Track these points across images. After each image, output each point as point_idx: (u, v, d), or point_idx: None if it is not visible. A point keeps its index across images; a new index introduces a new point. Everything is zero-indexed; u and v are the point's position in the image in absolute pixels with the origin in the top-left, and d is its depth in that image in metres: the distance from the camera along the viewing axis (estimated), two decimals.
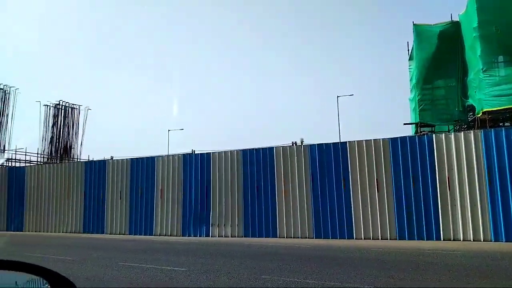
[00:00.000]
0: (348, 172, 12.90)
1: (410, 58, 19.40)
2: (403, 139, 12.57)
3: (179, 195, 15.34)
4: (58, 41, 63.88)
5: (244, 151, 14.58)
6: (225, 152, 14.92)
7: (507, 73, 14.30)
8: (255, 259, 8.82)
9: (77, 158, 32.30)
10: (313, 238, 12.93)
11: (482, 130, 11.97)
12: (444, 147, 11.88)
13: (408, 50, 19.67)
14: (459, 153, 11.70)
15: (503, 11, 14.42)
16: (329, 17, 62.67)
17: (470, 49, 15.34)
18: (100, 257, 9.32)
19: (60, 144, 33.23)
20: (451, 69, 16.71)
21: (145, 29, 64.99)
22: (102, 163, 17.33)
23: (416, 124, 16.99)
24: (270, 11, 63.57)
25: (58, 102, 33.64)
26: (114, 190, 16.62)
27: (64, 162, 28.15)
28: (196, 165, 15.22)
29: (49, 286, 1.23)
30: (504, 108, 14.06)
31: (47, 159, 31.32)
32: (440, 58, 16.56)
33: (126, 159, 16.79)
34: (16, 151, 29.98)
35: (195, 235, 14.74)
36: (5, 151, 29.97)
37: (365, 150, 12.81)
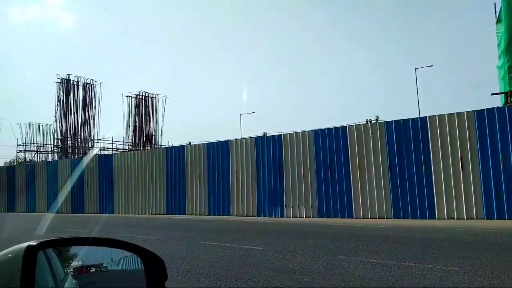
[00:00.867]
0: (429, 149, 12.18)
1: (498, 21, 17.51)
2: (490, 111, 11.52)
3: (253, 177, 15.69)
4: (134, 36, 67.70)
5: (316, 132, 14.42)
6: (297, 133, 14.88)
7: None
8: (330, 239, 8.78)
9: (159, 145, 34.38)
10: (391, 218, 12.51)
11: None
12: None
13: (496, 11, 17.79)
14: None
15: None
16: None
17: None
18: (182, 237, 9.91)
19: (143, 132, 35.55)
20: None
21: (212, 19, 66.31)
22: (181, 148, 18.25)
23: (506, 93, 15.44)
24: None
25: (138, 93, 35.87)
26: (193, 173, 17.46)
27: (147, 148, 30.13)
28: (268, 147, 15.40)
29: (141, 262, 1.35)
30: None
31: (132, 146, 33.75)
32: None
33: (203, 143, 17.50)
34: (104, 140, 32.71)
35: (270, 216, 15.03)
36: (99, 141, 32.78)
37: (447, 125, 11.98)
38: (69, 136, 33.35)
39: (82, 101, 34.19)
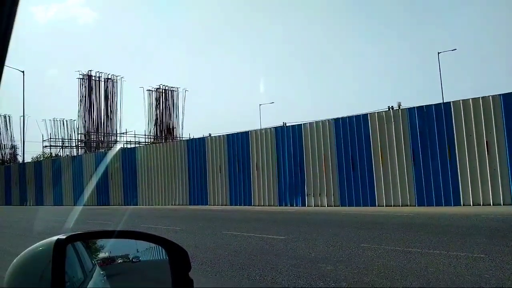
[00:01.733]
0: (453, 134, 11.90)
1: None
2: None
3: (273, 167, 15.70)
4: (154, 30, 68.18)
5: (336, 120, 14.28)
6: (317, 122, 14.78)
7: None
8: (352, 228, 8.75)
9: (180, 137, 34.78)
10: (415, 206, 12.34)
11: None
12: None
13: None
14: None
15: None
16: None
17: None
18: (205, 227, 10.06)
19: (164, 125, 36.02)
20: None
21: (230, 11, 66.04)
22: (202, 140, 18.41)
23: None
24: None
25: (158, 87, 36.28)
26: (214, 165, 17.61)
27: (168, 141, 30.52)
28: (288, 137, 15.36)
29: (165, 253, 1.38)
30: None
31: (154, 139, 34.26)
32: None
33: (223, 135, 17.60)
34: (126, 134, 33.31)
35: (291, 205, 15.05)
36: (121, 135, 33.40)
37: (472, 110, 11.66)
38: (92, 131, 34.09)
39: (104, 96, 34.85)
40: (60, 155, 32.86)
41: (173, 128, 36.28)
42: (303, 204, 14.75)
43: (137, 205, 20.32)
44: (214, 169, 17.61)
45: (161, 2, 72.24)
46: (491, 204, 11.13)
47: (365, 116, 13.65)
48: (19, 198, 27.42)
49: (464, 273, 4.48)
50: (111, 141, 33.95)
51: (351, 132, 13.82)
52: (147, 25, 71.11)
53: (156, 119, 35.62)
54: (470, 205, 11.40)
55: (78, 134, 34.25)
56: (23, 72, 30.11)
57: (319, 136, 14.56)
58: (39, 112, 66.93)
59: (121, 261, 1.52)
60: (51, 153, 35.30)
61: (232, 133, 17.32)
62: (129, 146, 29.75)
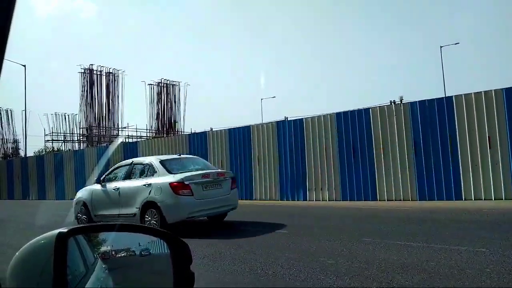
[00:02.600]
0: (455, 129, 11.87)
1: None
2: None
3: (275, 161, 15.70)
4: (155, 24, 67.99)
5: (338, 114, 14.25)
6: (318, 116, 14.75)
7: None
8: (354, 222, 8.77)
9: (181, 131, 34.79)
10: (416, 200, 12.34)
11: None
12: None
13: None
14: None
15: None
16: None
17: None
18: (206, 221, 10.07)
19: (165, 119, 36.02)
20: None
21: (232, 5, 65.77)
22: (203, 135, 18.41)
23: None
24: None
25: (160, 80, 36.23)
26: (215, 159, 17.62)
27: (170, 135, 30.53)
28: (290, 131, 15.34)
29: (167, 246, 1.39)
30: None
31: (155, 134, 34.28)
32: None
33: (224, 129, 17.59)
34: (128, 128, 33.34)
35: (292, 199, 15.07)
36: (123, 129, 33.45)
37: (474, 104, 11.61)
38: (94, 125, 34.12)
39: (105, 90, 34.82)
40: (62, 149, 32.94)
41: (174, 122, 36.28)
42: (305, 198, 14.77)
43: None
44: (215, 163, 17.61)
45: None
46: (493, 198, 11.12)
47: (367, 110, 13.61)
48: (21, 192, 27.53)
49: (465, 267, 4.49)
50: (113, 135, 33.99)
51: (352, 126, 13.79)
52: (149, 19, 70.95)
53: (158, 113, 35.62)
54: (472, 200, 11.40)
55: (79, 128, 34.31)
56: (24, 66, 30.09)
57: (321, 130, 14.53)
58: (41, 106, 67.10)
59: (123, 254, 1.53)
60: (53, 147, 35.40)
61: (234, 128, 17.31)
62: (130, 140, 29.78)
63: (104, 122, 34.49)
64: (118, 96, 35.28)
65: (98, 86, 34.57)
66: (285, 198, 15.30)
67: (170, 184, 7.86)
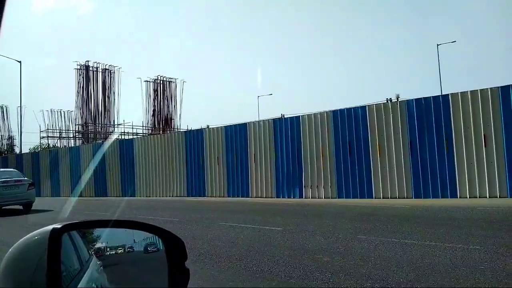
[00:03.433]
0: (451, 127, 11.92)
1: None
2: None
3: (271, 158, 15.71)
4: (152, 21, 67.69)
5: (335, 112, 14.27)
6: (315, 114, 14.76)
7: None
8: (350, 219, 8.79)
9: (177, 128, 34.71)
10: (412, 198, 12.39)
11: None
12: None
13: None
14: None
15: None
16: None
17: None
18: (203, 218, 10.08)
19: (162, 116, 35.92)
20: None
21: (228, 1, 65.57)
22: (200, 132, 18.39)
23: None
24: None
25: (156, 77, 36.10)
26: (212, 156, 17.61)
27: (166, 132, 30.47)
28: (286, 129, 15.35)
29: (162, 243, 1.38)
30: None
31: (151, 131, 34.19)
32: None
33: (221, 126, 17.57)
34: (124, 125, 33.24)
35: (288, 197, 15.09)
36: (119, 126, 33.36)
37: (470, 103, 11.66)
38: (90, 121, 33.98)
39: (101, 87, 34.69)
40: (58, 146, 32.79)
41: (171, 119, 36.20)
42: (301, 196, 14.80)
43: (135, 196, 20.34)
44: (212, 161, 17.62)
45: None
46: (487, 196, 11.19)
47: (363, 108, 13.64)
48: None
49: (459, 264, 4.51)
50: (109, 132, 33.87)
51: (349, 124, 13.82)
52: (146, 15, 70.61)
53: (154, 110, 35.51)
54: (467, 198, 11.47)
55: (75, 125, 34.17)
56: (20, 62, 29.89)
57: (317, 128, 14.55)
58: (37, 103, 66.79)
59: (118, 251, 1.52)
60: (48, 144, 35.23)
61: (230, 125, 17.29)
62: (126, 137, 29.68)
63: (100, 119, 34.37)
64: (114, 93, 35.19)
65: (94, 82, 34.44)
66: (281, 195, 15.32)
67: None
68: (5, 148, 38.83)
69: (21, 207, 14.23)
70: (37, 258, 1.07)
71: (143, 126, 34.52)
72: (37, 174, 26.08)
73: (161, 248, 1.37)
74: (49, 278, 1.02)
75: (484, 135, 11.42)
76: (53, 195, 24.45)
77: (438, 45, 26.57)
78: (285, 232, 7.21)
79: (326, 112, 14.47)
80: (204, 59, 67.43)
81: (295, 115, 15.33)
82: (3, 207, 13.67)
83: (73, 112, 34.26)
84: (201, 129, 18.55)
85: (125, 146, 21.60)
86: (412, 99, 12.76)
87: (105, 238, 1.50)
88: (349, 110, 13.95)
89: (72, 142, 33.91)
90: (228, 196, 16.90)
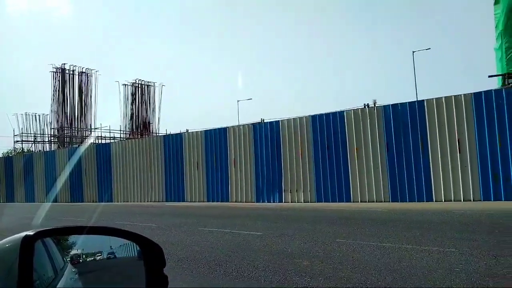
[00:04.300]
0: (426, 132, 12.20)
1: (496, 2, 17.39)
2: (487, 93, 11.52)
3: (251, 163, 15.72)
4: (130, 24, 66.99)
5: (314, 117, 14.40)
6: (294, 119, 14.86)
7: None
8: (328, 223, 8.86)
9: (156, 133, 34.30)
10: (389, 202, 12.60)
11: None
12: None
13: None
14: None
15: None
16: None
17: None
18: (181, 223, 9.97)
19: (140, 120, 35.43)
20: None
21: (206, 5, 65.54)
22: (179, 136, 18.24)
23: (503, 75, 15.44)
24: None
25: (134, 81, 35.61)
26: (191, 161, 17.48)
27: (145, 137, 30.08)
28: (266, 133, 15.39)
29: (139, 249, 1.35)
30: None
31: (129, 135, 33.68)
32: None
33: (200, 131, 17.47)
34: (101, 129, 32.64)
35: (268, 201, 15.11)
36: (94, 130, 32.74)
37: (444, 108, 11.98)
38: (66, 125, 33.23)
39: (78, 91, 33.98)
40: (32, 150, 31.92)
41: (149, 123, 35.76)
42: (280, 200, 14.84)
43: (112, 201, 19.98)
44: (192, 165, 17.49)
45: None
46: (462, 200, 11.49)
47: (341, 113, 13.82)
48: None
49: (435, 266, 4.60)
50: (85, 136, 33.18)
51: (327, 129, 13.97)
52: (124, 19, 69.83)
53: (132, 114, 35.01)
54: (442, 201, 11.74)
55: (51, 129, 33.35)
56: None
57: (297, 132, 14.65)
58: (10, 106, 64.87)
59: (94, 258, 1.48)
60: (22, 148, 34.24)
61: (210, 129, 17.23)
62: (104, 141, 29.16)
63: (76, 123, 33.65)
64: (91, 97, 34.52)
65: (70, 86, 33.71)
66: (261, 200, 15.33)
67: None
68: None
69: None
70: (8, 266, 1.03)
71: (120, 131, 33.99)
72: (10, 179, 25.32)
73: (139, 254, 1.34)
74: (21, 286, 0.98)
75: (458, 140, 11.73)
76: (27, 200, 23.77)
77: (413, 52, 27.30)
78: (264, 237, 7.20)
79: (306, 117, 14.60)
80: (183, 63, 67.12)
81: (275, 120, 15.41)
82: None
83: (48, 116, 33.44)
84: (180, 133, 18.41)
85: (102, 150, 21.22)
86: (389, 105, 13.01)
87: (80, 245, 1.46)
88: (327, 115, 14.11)
89: (47, 146, 33.06)
90: (208, 201, 16.79)
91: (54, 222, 11.17)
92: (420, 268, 4.55)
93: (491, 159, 11.21)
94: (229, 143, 16.34)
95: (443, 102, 12.01)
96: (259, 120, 15.89)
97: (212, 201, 16.64)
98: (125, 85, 35.06)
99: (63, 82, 33.42)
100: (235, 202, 15.90)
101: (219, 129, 16.91)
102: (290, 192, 14.69)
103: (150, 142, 19.61)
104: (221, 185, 16.53)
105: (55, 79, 33.27)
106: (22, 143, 33.48)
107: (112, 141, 28.38)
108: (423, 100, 12.55)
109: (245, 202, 15.64)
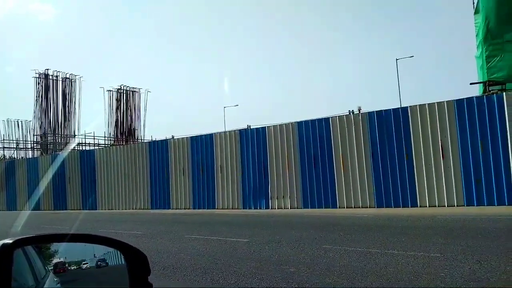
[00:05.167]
0: (410, 138, 12.36)
1: (476, 12, 17.81)
2: (469, 100, 11.75)
3: (237, 169, 15.67)
4: (116, 30, 66.53)
5: (300, 123, 14.47)
6: (280, 125, 14.90)
7: None
8: (315, 229, 8.87)
9: (141, 139, 33.98)
10: (374, 207, 12.69)
11: None
12: None
13: (473, 2, 18.06)
14: None
15: None
16: None
17: None
18: (167, 231, 9.86)
19: (125, 126, 35.07)
20: None
21: (192, 12, 65.61)
22: (164, 143, 18.09)
23: (484, 83, 15.78)
24: None
25: (119, 87, 35.27)
26: (177, 167, 17.34)
27: (129, 143, 29.76)
28: (253, 140, 15.39)
29: (123, 257, 1.32)
30: None
31: (114, 141, 33.28)
32: (511, 7, 15.02)
33: (186, 137, 17.37)
34: (85, 136, 32.19)
35: (255, 208, 15.07)
36: (76, 136, 32.25)
37: (428, 115, 12.16)
38: (49, 132, 32.68)
39: (61, 96, 33.49)
40: (15, 157, 31.26)
41: (134, 129, 35.42)
42: (267, 207, 14.81)
43: (96, 209, 19.66)
44: (177, 172, 17.35)
45: (123, 1, 70.67)
46: (446, 205, 11.64)
47: (327, 119, 13.91)
48: None
49: (421, 272, 4.63)
50: (69, 142, 32.64)
51: (313, 135, 14.04)
52: (109, 24, 69.31)
53: (117, 120, 34.63)
54: (426, 207, 11.87)
55: (33, 135, 32.73)
56: None
57: (283, 139, 14.69)
58: None
59: (77, 266, 1.44)
60: (4, 155, 33.51)
61: (196, 135, 17.14)
62: (88, 148, 28.74)
63: (59, 129, 33.12)
64: (75, 103, 34.05)
65: (53, 91, 33.20)
66: (248, 206, 15.28)
67: None
68: None
69: None
70: None
71: (105, 137, 33.57)
72: None
73: (123, 262, 1.31)
74: None
75: (441, 146, 11.91)
76: (9, 208, 23.23)
77: (397, 59, 27.73)
78: (251, 244, 7.16)
79: (292, 123, 14.65)
80: (169, 69, 66.80)
81: (261, 126, 15.42)
82: None
83: (31, 122, 32.83)
84: (165, 139, 18.26)
85: (86, 157, 20.91)
86: (373, 112, 13.16)
87: (63, 253, 1.43)
88: (313, 121, 14.19)
89: (30, 153, 32.42)
90: (194, 208, 16.66)
91: (35, 230, 10.92)
92: (406, 273, 4.58)
93: (474, 165, 11.40)
94: (216, 150, 16.27)
95: (427, 108, 12.20)
96: (246, 127, 15.88)
97: (198, 208, 16.51)
98: (110, 91, 34.72)
99: (46, 87, 32.92)
100: (222, 209, 15.81)
101: (205, 135, 16.84)
102: (277, 199, 14.68)
103: (135, 149, 19.41)
104: (208, 191, 16.43)
105: (38, 84, 32.77)
106: (4, 149, 32.79)
107: (96, 147, 28.00)
108: (407, 107, 12.73)
109: (232, 208, 15.57)
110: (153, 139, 22.55)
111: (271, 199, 14.80)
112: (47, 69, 33.09)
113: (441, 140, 11.93)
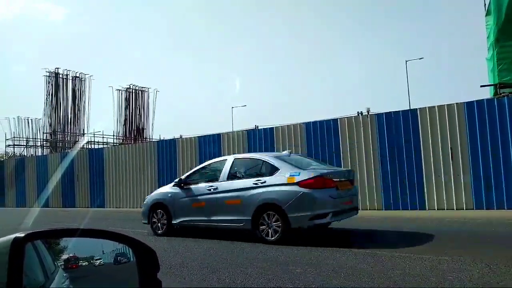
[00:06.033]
0: (419, 140, 12.26)
1: (487, 14, 17.62)
2: (480, 102, 11.62)
3: None
4: (125, 29, 67.00)
5: (308, 124, 14.43)
6: (288, 126, 14.88)
7: None
8: (321, 230, 8.82)
9: (149, 138, 34.18)
10: (382, 209, 12.61)
11: None
12: None
13: (485, 4, 17.88)
14: None
15: None
16: None
17: None
18: (174, 230, 9.88)
19: (133, 125, 35.30)
20: None
21: (202, 11, 65.82)
22: (173, 142, 18.16)
23: (495, 85, 15.60)
24: None
25: (128, 86, 35.53)
26: (185, 167, 17.38)
27: (138, 142, 29.93)
28: (260, 140, 15.38)
29: (133, 253, 1.33)
30: None
31: (122, 140, 33.51)
32: None
33: (194, 136, 17.41)
34: (94, 134, 32.45)
35: None
36: (85, 134, 32.52)
37: (437, 117, 12.05)
38: (58, 130, 33.01)
39: (71, 95, 33.81)
40: (24, 155, 31.61)
41: (143, 128, 35.63)
42: None
43: (104, 207, 19.79)
44: (185, 171, 17.35)
45: (133, 0, 71.17)
46: (455, 208, 11.52)
47: (335, 120, 13.86)
48: None
49: (428, 274, 4.60)
50: (78, 141, 32.93)
51: (321, 136, 14.00)
52: (119, 23, 69.89)
53: (126, 119, 34.86)
54: (435, 209, 11.77)
55: (43, 133, 33.07)
56: None
57: (291, 139, 14.66)
58: (2, 110, 64.35)
59: (86, 262, 1.45)
60: (14, 153, 33.92)
61: (204, 135, 17.18)
62: (97, 146, 28.97)
63: (69, 128, 33.44)
64: (84, 101, 34.36)
65: (63, 90, 33.53)
66: None
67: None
68: None
69: None
70: None
71: (114, 136, 33.82)
72: (1, 184, 25.03)
73: (132, 258, 1.32)
74: None
75: (450, 148, 11.80)
76: (18, 205, 23.48)
77: (406, 61, 27.56)
78: (258, 244, 7.16)
79: (300, 124, 14.62)
80: (178, 68, 67.13)
81: (269, 126, 15.41)
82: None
83: (41, 120, 33.18)
84: (174, 139, 18.33)
85: (95, 155, 21.06)
86: (382, 113, 13.08)
87: (72, 248, 1.43)
88: (321, 122, 14.14)
89: (39, 150, 32.77)
90: None
91: (45, 226, 11.03)
92: (413, 276, 4.55)
93: (483, 167, 11.28)
94: (223, 149, 16.28)
95: (436, 110, 12.09)
96: (254, 127, 15.88)
97: None
98: (119, 90, 34.97)
99: (57, 86, 33.25)
100: None
101: (213, 135, 16.87)
102: None
103: (144, 148, 19.50)
104: None
105: (49, 83, 33.10)
106: (14, 147, 33.18)
107: (105, 146, 28.22)
108: (416, 109, 12.63)
109: None
110: (162, 138, 22.64)
111: None
112: (57, 68, 33.45)
113: (450, 143, 11.82)
